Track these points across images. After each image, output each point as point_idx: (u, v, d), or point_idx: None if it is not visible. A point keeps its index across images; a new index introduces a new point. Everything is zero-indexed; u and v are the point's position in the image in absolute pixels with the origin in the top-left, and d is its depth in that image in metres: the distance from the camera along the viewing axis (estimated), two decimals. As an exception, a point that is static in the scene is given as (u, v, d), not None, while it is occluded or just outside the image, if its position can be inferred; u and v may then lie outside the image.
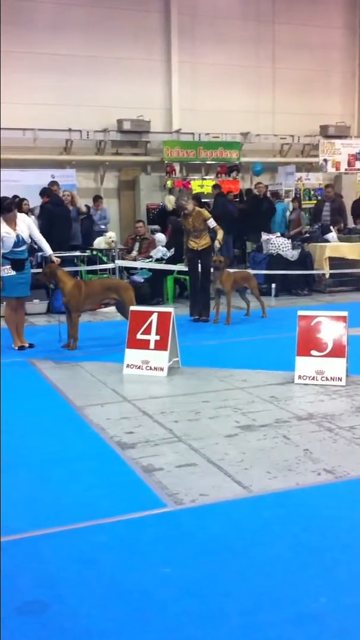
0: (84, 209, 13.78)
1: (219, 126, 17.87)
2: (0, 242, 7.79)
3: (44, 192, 12.48)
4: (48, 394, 6.30)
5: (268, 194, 15.16)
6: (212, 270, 9.75)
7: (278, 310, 10.81)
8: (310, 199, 17.38)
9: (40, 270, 9.32)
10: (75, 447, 4.94)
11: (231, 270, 10.22)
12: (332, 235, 13.39)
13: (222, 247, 10.27)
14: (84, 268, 12.03)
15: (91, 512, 3.85)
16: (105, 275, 11.88)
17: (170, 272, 11.60)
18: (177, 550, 3.43)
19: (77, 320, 8.16)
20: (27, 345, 8.18)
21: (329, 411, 5.57)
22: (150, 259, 12.12)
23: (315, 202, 16.28)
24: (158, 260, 11.98)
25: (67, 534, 3.61)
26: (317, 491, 4.07)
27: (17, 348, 8.09)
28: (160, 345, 6.80)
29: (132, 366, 6.88)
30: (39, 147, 16.50)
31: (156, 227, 15.22)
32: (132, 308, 7.26)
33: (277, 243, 12.80)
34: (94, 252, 12.69)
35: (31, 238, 8.19)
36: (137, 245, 12.65)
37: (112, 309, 9.62)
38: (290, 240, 13.05)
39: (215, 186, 15.86)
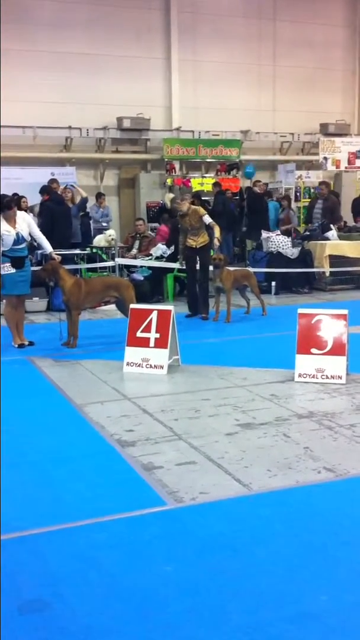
0: (84, 194, 13.29)
1: (219, 124, 17.87)
2: (0, 239, 7.79)
3: (44, 190, 12.44)
4: (48, 392, 6.29)
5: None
6: (212, 268, 9.75)
7: (278, 308, 10.81)
8: (310, 197, 17.37)
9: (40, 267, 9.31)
10: (75, 445, 4.93)
11: (231, 269, 10.22)
12: (333, 233, 13.38)
13: (222, 245, 10.26)
14: (84, 266, 12.02)
15: (91, 510, 3.84)
16: (105, 274, 11.88)
17: (170, 270, 11.59)
18: (178, 549, 3.43)
19: (77, 318, 8.16)
20: (27, 343, 8.18)
21: (329, 409, 5.56)
22: (150, 257, 12.11)
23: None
24: (158, 258, 11.97)
25: (67, 532, 3.60)
26: (317, 489, 4.06)
27: (17, 346, 8.09)
28: (160, 343, 6.80)
29: (132, 364, 6.87)
30: (39, 144, 16.50)
31: (156, 225, 15.22)
32: (132, 306, 7.25)
33: (277, 241, 12.78)
34: (94, 250, 12.67)
35: (31, 236, 8.20)
36: (137, 243, 12.65)
37: (112, 306, 9.61)
38: (290, 239, 13.04)
39: (215, 184, 15.88)
